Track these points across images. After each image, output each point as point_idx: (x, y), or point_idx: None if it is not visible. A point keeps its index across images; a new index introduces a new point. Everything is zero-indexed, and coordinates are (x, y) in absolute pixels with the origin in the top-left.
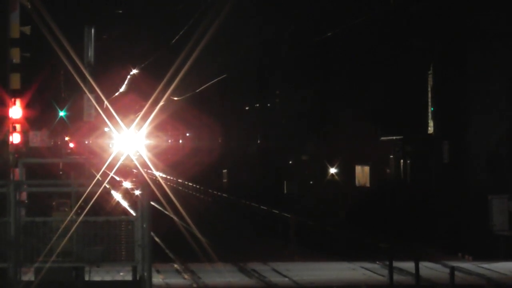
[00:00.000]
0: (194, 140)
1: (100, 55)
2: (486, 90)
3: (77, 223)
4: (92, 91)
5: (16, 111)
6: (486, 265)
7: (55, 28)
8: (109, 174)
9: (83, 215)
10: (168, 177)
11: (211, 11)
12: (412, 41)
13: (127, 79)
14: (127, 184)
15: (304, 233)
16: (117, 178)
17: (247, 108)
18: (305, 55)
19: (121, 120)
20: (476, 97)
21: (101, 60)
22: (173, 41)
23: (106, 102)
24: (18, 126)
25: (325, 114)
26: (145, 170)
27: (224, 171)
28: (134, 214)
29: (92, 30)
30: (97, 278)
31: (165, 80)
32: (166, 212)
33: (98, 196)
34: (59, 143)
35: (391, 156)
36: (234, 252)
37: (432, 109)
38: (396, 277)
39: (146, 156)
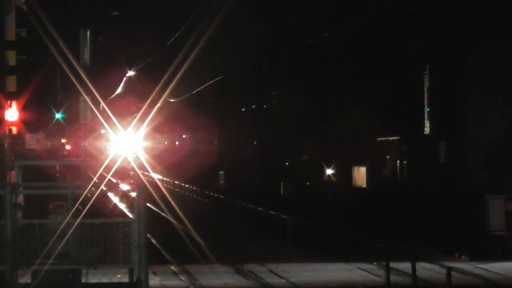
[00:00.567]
0: (190, 142)
1: (96, 57)
2: (483, 90)
3: (74, 225)
4: (88, 93)
5: (12, 113)
6: (483, 265)
7: (51, 30)
8: (105, 176)
9: (80, 217)
10: (165, 179)
11: (208, 12)
12: (409, 42)
13: (124, 81)
14: (124, 186)
15: (301, 234)
16: (114, 180)
17: (243, 109)
18: (302, 55)
19: (118, 122)
20: (473, 97)
21: (97, 62)
22: (170, 43)
23: (102, 104)
24: (14, 129)
25: (321, 115)
26: (142, 172)
27: (221, 172)
28: (130, 216)
29: (88, 32)
30: (94, 280)
31: (162, 82)
32: (163, 214)
33: (95, 198)
34: (56, 145)
35: (388, 157)
36: (231, 254)
37: (428, 109)
38: (393, 277)
39: (144, 158)
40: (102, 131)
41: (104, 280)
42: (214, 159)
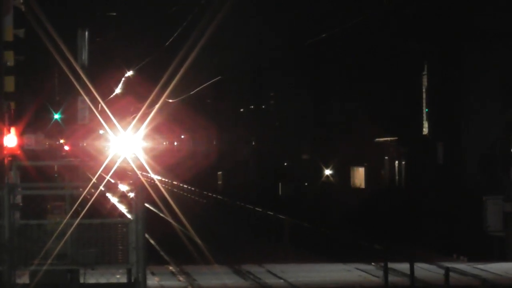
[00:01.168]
0: (189, 143)
1: (95, 57)
2: (481, 91)
3: (73, 226)
4: (87, 93)
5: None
6: (481, 265)
7: (49, 31)
8: (104, 177)
9: (79, 218)
10: (164, 179)
11: (206, 12)
12: (407, 43)
13: (122, 81)
14: (122, 187)
15: (299, 235)
16: (112, 181)
17: (242, 110)
18: (301, 56)
19: (117, 122)
20: (471, 98)
21: (96, 63)
22: (167, 43)
23: (102, 103)
24: (12, 129)
25: (320, 116)
26: (141, 172)
27: (219, 173)
28: (129, 216)
29: (86, 33)
30: (92, 280)
31: (160, 82)
32: (161, 215)
33: (93, 199)
34: (54, 145)
35: (386, 158)
36: (229, 254)
37: (426, 110)
38: (391, 278)
39: (143, 158)
40: (101, 132)
41: (102, 280)
42: (213, 160)
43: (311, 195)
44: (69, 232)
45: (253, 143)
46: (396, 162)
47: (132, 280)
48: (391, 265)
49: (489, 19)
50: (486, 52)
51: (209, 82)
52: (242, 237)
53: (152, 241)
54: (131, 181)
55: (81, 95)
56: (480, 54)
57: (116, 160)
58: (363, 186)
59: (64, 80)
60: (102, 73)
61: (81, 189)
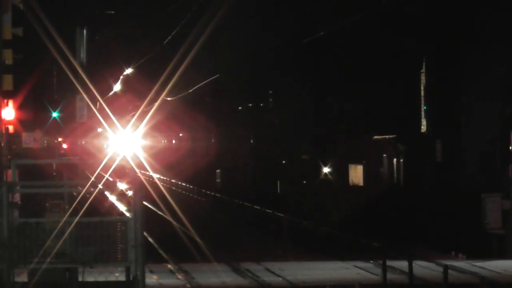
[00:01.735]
0: (187, 141)
1: (93, 56)
2: (479, 89)
3: (72, 224)
4: (85, 92)
5: (8, 112)
6: (479, 263)
7: (48, 29)
8: (103, 175)
9: (78, 216)
10: (163, 177)
11: (204, 11)
12: (405, 41)
13: (120, 79)
14: (121, 185)
15: (298, 233)
16: (110, 179)
17: (240, 108)
18: (299, 54)
19: (115, 120)
20: (470, 96)
21: (94, 61)
22: (166, 42)
23: (101, 101)
24: (11, 127)
25: (318, 113)
26: (141, 171)
27: (218, 171)
28: (127, 214)
29: (84, 31)
30: (90, 279)
31: (159, 81)
32: (160, 213)
33: (92, 197)
34: (54, 143)
35: (384, 155)
36: (228, 252)
37: (425, 108)
38: (390, 276)
39: (142, 156)
40: (99, 130)
41: (101, 278)
42: (211, 158)
43: (309, 193)
44: (68, 231)
45: (252, 141)
46: (395, 160)
47: (131, 278)
48: (389, 263)
49: (488, 18)
50: (485, 50)
51: (207, 80)
52: (240, 235)
53: (150, 239)
54: (129, 180)
55: (79, 93)
56: (479, 53)
57: (115, 158)
58: (361, 184)
59: (62, 79)
60: (100, 71)
61: (80, 188)
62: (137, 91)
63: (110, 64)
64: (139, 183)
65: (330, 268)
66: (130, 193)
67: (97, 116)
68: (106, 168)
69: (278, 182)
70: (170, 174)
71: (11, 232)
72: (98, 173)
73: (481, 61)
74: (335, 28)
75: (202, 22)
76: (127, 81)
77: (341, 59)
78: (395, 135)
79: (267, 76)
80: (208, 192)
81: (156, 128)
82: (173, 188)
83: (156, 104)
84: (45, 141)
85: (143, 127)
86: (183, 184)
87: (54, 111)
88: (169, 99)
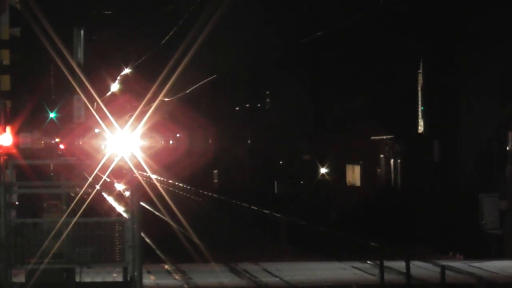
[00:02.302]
0: (184, 141)
1: (90, 56)
2: (476, 89)
3: (70, 225)
4: (82, 92)
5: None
6: (476, 263)
7: (45, 29)
8: (100, 176)
9: (76, 217)
10: (160, 178)
11: (202, 11)
12: (403, 41)
13: (118, 80)
14: (119, 186)
15: (295, 233)
16: (107, 179)
17: (237, 108)
18: (296, 54)
19: (113, 120)
20: (467, 96)
21: (92, 61)
22: (163, 42)
23: (99, 101)
24: (8, 128)
25: (315, 114)
26: (138, 171)
27: (215, 171)
28: (125, 215)
29: (82, 32)
30: (87, 279)
31: (157, 81)
32: (157, 213)
33: (89, 198)
34: (50, 144)
35: (382, 156)
36: (225, 252)
37: (422, 108)
38: (387, 276)
39: (140, 157)
40: (96, 130)
41: (98, 279)
42: (209, 158)
43: (307, 193)
44: (66, 232)
45: (249, 142)
46: (392, 160)
47: (128, 279)
48: (387, 263)
49: (486, 18)
50: (482, 50)
51: (204, 81)
52: (238, 236)
53: (148, 240)
54: (126, 180)
55: (77, 93)
56: (476, 53)
57: (112, 158)
58: (358, 184)
59: (59, 79)
60: (98, 71)
61: (78, 189)
62: (134, 91)
63: (108, 64)
64: (137, 183)
65: (327, 268)
66: (127, 193)
67: (94, 117)
68: (103, 169)
69: (276, 182)
70: (167, 175)
71: (9, 233)
72: (96, 173)
73: (478, 61)
74: (333, 28)
75: (200, 22)
76: (124, 81)
77: (339, 59)
78: (392, 136)
79: (265, 76)
80: (206, 193)
81: (153, 129)
82: (171, 188)
83: (154, 104)
84: (42, 142)
85: (140, 127)
86: (181, 184)
87: (52, 111)
88: (166, 99)
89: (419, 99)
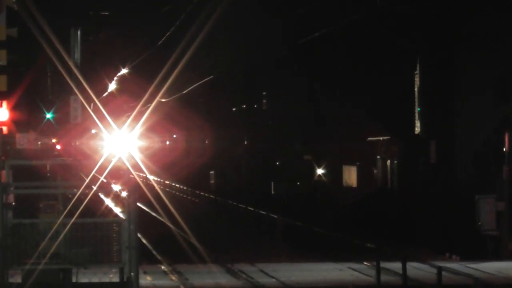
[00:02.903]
0: (181, 142)
1: (88, 56)
2: (472, 90)
3: (67, 225)
4: (79, 92)
5: (2, 113)
6: (473, 265)
7: (42, 30)
8: (97, 176)
9: (74, 217)
10: (156, 179)
11: (199, 11)
12: (399, 42)
13: (115, 80)
14: (116, 187)
15: (292, 234)
16: (104, 180)
17: (234, 109)
18: (293, 55)
19: (111, 121)
20: (463, 97)
21: (89, 62)
22: (160, 42)
23: (96, 101)
24: (4, 128)
25: (312, 115)
26: (136, 172)
27: (212, 172)
28: (121, 216)
29: (79, 32)
30: (84, 280)
31: (155, 82)
32: (154, 214)
33: (87, 199)
34: (48, 144)
35: (378, 157)
36: (222, 253)
37: (419, 109)
38: (384, 277)
39: (138, 158)
40: (93, 131)
41: (95, 279)
42: (206, 159)
43: (303, 194)
44: (63, 232)
45: (246, 142)
46: (389, 161)
47: (125, 279)
48: (383, 264)
49: (481, 19)
50: (479, 51)
51: (201, 82)
52: (234, 236)
53: (144, 241)
54: (123, 181)
55: (73, 94)
56: (473, 53)
57: (110, 159)
58: (355, 185)
59: (56, 79)
60: (95, 72)
61: (75, 190)
62: (132, 92)
63: (105, 65)
64: (134, 184)
65: (324, 269)
66: (124, 194)
67: (91, 117)
68: (101, 170)
69: (272, 183)
70: (164, 176)
71: (5, 233)
72: (92, 174)
73: (475, 62)
74: (331, 28)
75: (197, 23)
76: (122, 82)
77: (336, 60)
78: (389, 137)
79: (261, 77)
80: (202, 193)
81: (151, 129)
82: (167, 189)
83: (152, 105)
84: (39, 142)
85: (138, 128)
86: (177, 185)
87: (48, 112)
88: (163, 100)
89: (416, 100)
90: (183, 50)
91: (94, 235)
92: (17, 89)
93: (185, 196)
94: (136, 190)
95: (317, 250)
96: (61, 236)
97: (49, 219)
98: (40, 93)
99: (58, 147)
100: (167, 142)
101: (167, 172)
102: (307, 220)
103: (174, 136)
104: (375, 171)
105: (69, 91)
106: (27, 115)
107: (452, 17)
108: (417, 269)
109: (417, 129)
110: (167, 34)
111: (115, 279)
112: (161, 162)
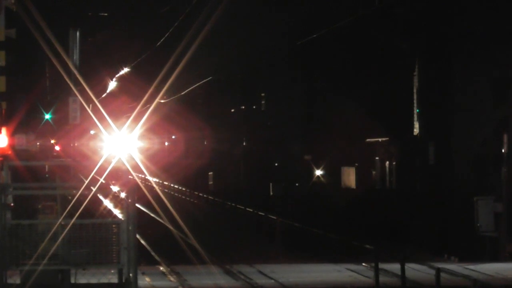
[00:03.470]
0: (179, 143)
1: (86, 57)
2: (471, 92)
3: (65, 226)
4: (78, 93)
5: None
6: (472, 266)
7: (41, 30)
8: (96, 177)
9: (74, 219)
10: (154, 179)
11: (197, 13)
12: (397, 43)
13: (113, 81)
14: (115, 188)
15: (290, 235)
16: (103, 181)
17: (232, 110)
18: (291, 56)
19: (109, 123)
20: (461, 98)
21: (87, 63)
22: (158, 44)
23: (96, 102)
24: (3, 130)
25: (311, 116)
26: (137, 174)
27: (210, 173)
28: (120, 217)
29: (77, 33)
30: (83, 280)
31: (154, 82)
32: (152, 215)
33: (84, 199)
34: (46, 146)
35: (377, 158)
36: (220, 254)
37: (417, 110)
38: (382, 278)
39: (137, 158)
40: (92, 132)
41: (93, 280)
42: (204, 160)
43: (302, 195)
44: (63, 234)
45: (244, 143)
46: (387, 162)
47: (123, 280)
48: (382, 265)
49: (480, 21)
50: (477, 52)
51: (200, 83)
52: (233, 238)
53: (143, 242)
54: (122, 182)
55: (72, 95)
56: (471, 55)
57: (109, 160)
58: (353, 186)
59: (55, 80)
60: (94, 72)
61: (74, 191)
62: (131, 92)
63: (104, 65)
64: (133, 185)
65: (322, 270)
66: (122, 195)
67: (90, 118)
68: (100, 170)
69: (271, 184)
70: (162, 176)
71: (4, 234)
72: (91, 175)
73: (473, 63)
74: (329, 30)
75: (195, 24)
76: (120, 82)
77: (334, 61)
78: (387, 138)
79: (260, 78)
80: (201, 195)
81: (150, 130)
82: (165, 190)
83: (152, 106)
84: (38, 143)
85: (137, 129)
86: (176, 186)
87: (47, 113)
88: (162, 101)
89: (414, 101)
90: (182, 51)
91: (93, 236)
92: (16, 89)
93: (183, 197)
94: (135, 191)
95: (316, 251)
96: (61, 238)
97: (48, 220)
98: (39, 94)
99: (57, 148)
100: (166, 143)
101: (166, 173)
102: (305, 221)
103: (173, 137)
104: (373, 172)
105: (68, 92)
106: (26, 116)
107: (451, 19)
108: (416, 270)
109: (416, 131)
110: (165, 35)
111: (114, 280)
112: (160, 163)
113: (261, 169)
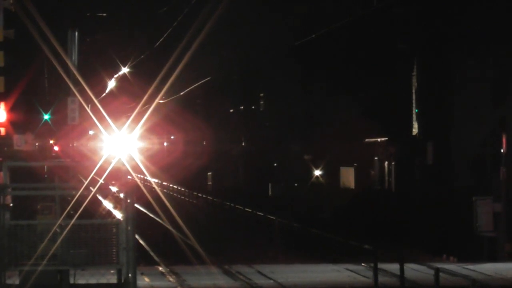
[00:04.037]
0: (179, 143)
1: (85, 58)
2: (470, 92)
3: (64, 227)
4: (76, 94)
5: (0, 114)
6: (470, 266)
7: (39, 31)
8: (96, 178)
9: (73, 219)
10: (153, 179)
11: (196, 12)
12: (397, 44)
13: (112, 82)
14: (114, 189)
15: (289, 235)
16: (102, 181)
17: (231, 110)
18: (290, 57)
19: (108, 123)
20: (460, 98)
21: (86, 63)
22: (157, 44)
23: (96, 102)
24: (2, 130)
25: (310, 116)
26: (137, 174)
27: (209, 173)
28: (119, 217)
29: (76, 34)
30: (81, 281)
31: (153, 83)
32: (151, 215)
33: (84, 200)
34: (45, 145)
35: (376, 158)
36: (219, 255)
37: (416, 110)
38: (381, 278)
39: (137, 159)
40: (91, 132)
41: (92, 281)
42: (203, 161)
43: (301, 195)
44: (63, 234)
45: (243, 144)
46: (386, 162)
47: (122, 281)
48: (381, 265)
49: (479, 21)
50: (476, 53)
51: (199, 83)
52: (232, 238)
53: (142, 242)
54: (121, 182)
55: (71, 95)
56: (470, 55)
57: (109, 160)
58: (352, 186)
59: (54, 81)
60: (92, 73)
61: (74, 192)
62: (130, 93)
63: (102, 66)
64: (132, 185)
65: (321, 270)
66: (121, 195)
67: (89, 118)
68: (99, 171)
69: (270, 184)
70: (161, 177)
71: (2, 235)
72: (90, 175)
73: (472, 64)
74: (328, 30)
75: (194, 25)
76: (119, 83)
77: (333, 61)
78: (386, 138)
79: (259, 78)
80: (200, 195)
81: (149, 131)
82: (164, 190)
83: (151, 107)
84: (37, 144)
85: (137, 129)
86: (175, 186)
87: (46, 113)
88: (161, 101)
89: (413, 101)
90: (181, 51)
91: (92, 236)
92: (15, 90)
93: (182, 197)
94: (134, 192)
95: (315, 251)
96: (60, 238)
97: (47, 221)
98: (37, 95)
99: (55, 148)
100: (165, 144)
101: (165, 173)
102: (304, 221)
103: (172, 137)
104: (372, 172)
105: (66, 92)
106: (25, 116)
107: (450, 20)
108: (415, 270)
109: (415, 131)
110: (164, 36)
111: (113, 280)
112: (159, 164)
113: (260, 169)
